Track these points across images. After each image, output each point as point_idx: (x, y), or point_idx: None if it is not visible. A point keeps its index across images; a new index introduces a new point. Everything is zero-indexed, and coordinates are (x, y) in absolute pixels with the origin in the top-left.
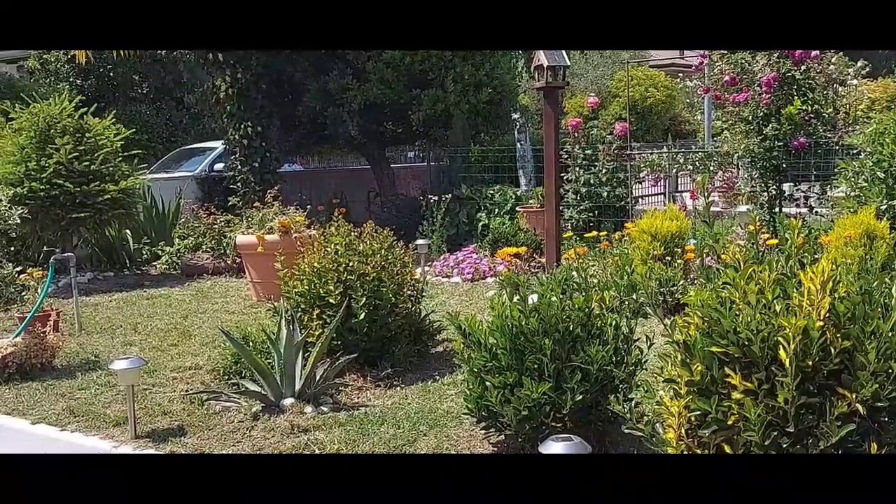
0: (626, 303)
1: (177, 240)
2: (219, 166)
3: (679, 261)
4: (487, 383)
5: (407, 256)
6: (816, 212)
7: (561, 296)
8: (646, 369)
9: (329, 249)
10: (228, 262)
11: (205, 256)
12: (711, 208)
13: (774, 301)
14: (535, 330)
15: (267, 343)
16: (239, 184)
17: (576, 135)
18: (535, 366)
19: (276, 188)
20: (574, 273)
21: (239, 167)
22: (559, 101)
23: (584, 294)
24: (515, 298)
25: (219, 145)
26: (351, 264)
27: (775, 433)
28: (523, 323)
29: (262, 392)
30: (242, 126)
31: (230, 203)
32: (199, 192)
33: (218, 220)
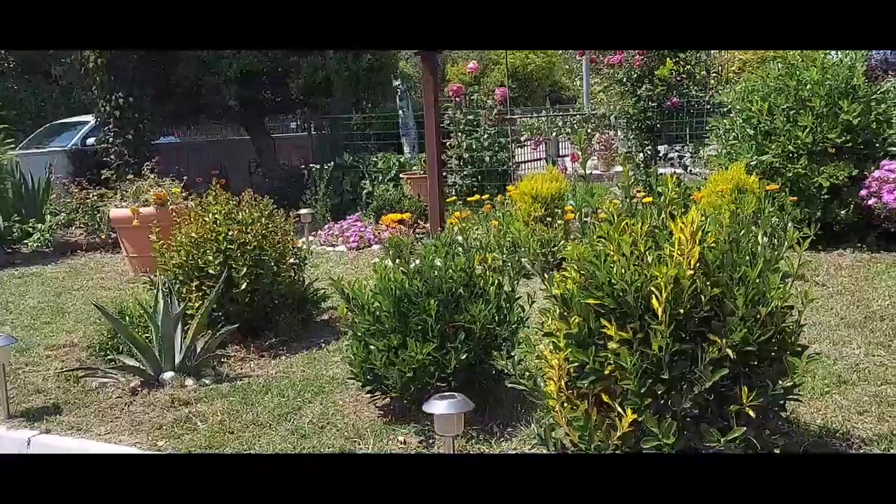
0: (510, 263)
1: (48, 216)
2: (91, 140)
3: (560, 221)
4: (372, 347)
5: (288, 224)
6: (691, 171)
7: (444, 258)
8: (528, 327)
9: (207, 219)
10: (103, 237)
11: (78, 233)
12: (591, 171)
13: (647, 252)
14: (419, 291)
15: (144, 317)
16: (112, 157)
17: (457, 100)
18: (420, 327)
19: (153, 161)
20: (458, 237)
21: (111, 139)
22: (438, 67)
23: (466, 255)
24: (398, 261)
25: (91, 119)
26: (231, 233)
27: (650, 381)
28: (406, 285)
29: (141, 366)
30: (114, 97)
31: (104, 177)
32: (70, 167)
33: (91, 195)
